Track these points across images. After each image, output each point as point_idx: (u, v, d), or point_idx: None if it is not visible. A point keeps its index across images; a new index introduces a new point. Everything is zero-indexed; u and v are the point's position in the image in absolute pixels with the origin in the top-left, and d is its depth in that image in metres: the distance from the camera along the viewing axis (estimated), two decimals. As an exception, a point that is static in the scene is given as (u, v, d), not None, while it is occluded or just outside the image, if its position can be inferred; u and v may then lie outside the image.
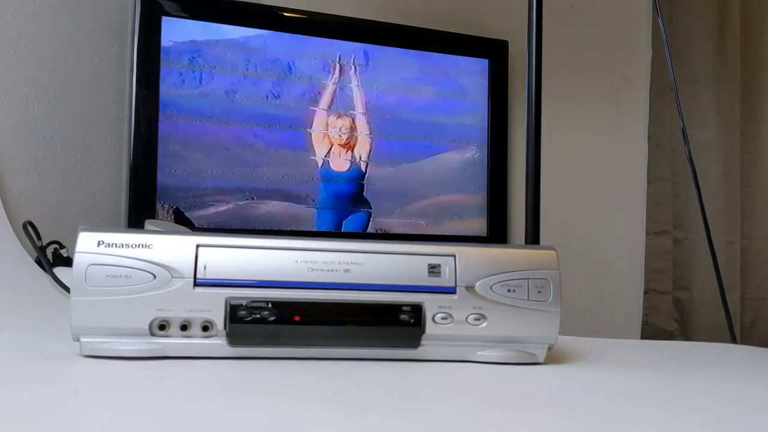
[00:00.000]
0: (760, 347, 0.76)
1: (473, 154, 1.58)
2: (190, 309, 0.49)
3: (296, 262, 0.51)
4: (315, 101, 1.41)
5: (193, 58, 1.31)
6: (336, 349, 0.52)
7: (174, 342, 0.49)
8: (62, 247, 0.99)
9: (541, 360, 0.55)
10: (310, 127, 1.40)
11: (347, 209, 1.43)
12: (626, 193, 1.77)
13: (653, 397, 0.46)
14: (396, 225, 1.48)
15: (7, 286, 0.82)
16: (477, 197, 1.58)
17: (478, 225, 1.58)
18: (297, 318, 0.50)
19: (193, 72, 1.32)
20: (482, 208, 1.58)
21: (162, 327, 0.49)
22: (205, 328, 0.50)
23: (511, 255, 0.54)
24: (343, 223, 1.42)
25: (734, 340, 1.28)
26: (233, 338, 0.50)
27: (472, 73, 1.58)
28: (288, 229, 1.36)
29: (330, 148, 1.41)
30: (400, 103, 1.50)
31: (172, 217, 1.25)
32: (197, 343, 0.50)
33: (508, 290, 0.53)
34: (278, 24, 1.40)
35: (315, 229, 1.39)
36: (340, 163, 1.43)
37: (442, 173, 1.55)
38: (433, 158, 1.54)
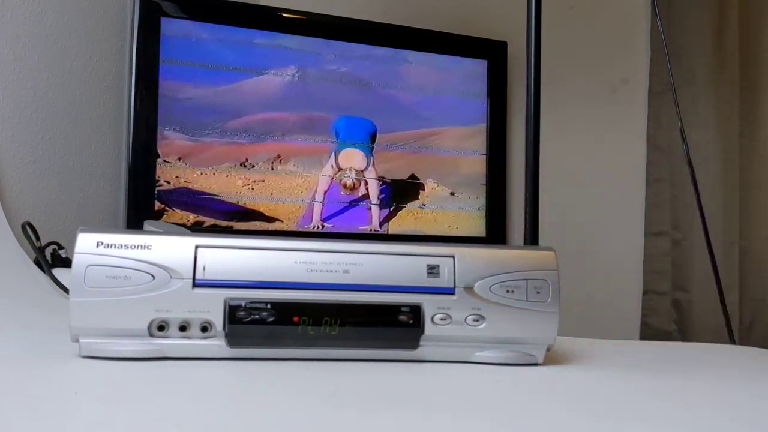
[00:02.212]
0: (759, 348, 0.76)
1: (472, 154, 1.58)
2: (189, 310, 0.49)
3: (295, 262, 0.51)
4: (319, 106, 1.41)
5: (192, 59, 1.31)
6: (335, 350, 0.52)
7: (173, 343, 0.49)
8: (61, 247, 0.98)
9: (540, 361, 0.55)
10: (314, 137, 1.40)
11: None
12: (625, 194, 1.78)
13: (652, 398, 0.46)
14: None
15: (6, 286, 0.82)
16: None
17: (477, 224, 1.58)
18: (296, 319, 0.50)
19: (193, 73, 1.31)
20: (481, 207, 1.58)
21: (161, 328, 0.49)
22: (204, 329, 0.50)
23: (510, 256, 0.54)
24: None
25: (733, 341, 1.28)
26: (232, 339, 0.50)
27: (471, 73, 1.58)
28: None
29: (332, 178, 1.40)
30: (399, 104, 1.50)
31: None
32: (196, 343, 0.50)
33: (507, 291, 0.53)
34: (277, 25, 1.40)
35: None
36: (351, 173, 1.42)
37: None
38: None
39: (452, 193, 1.53)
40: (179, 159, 1.26)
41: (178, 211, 1.26)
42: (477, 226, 1.56)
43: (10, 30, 1.03)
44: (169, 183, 1.25)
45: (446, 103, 1.55)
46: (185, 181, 1.27)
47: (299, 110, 1.38)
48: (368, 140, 1.44)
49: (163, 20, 1.28)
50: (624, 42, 1.79)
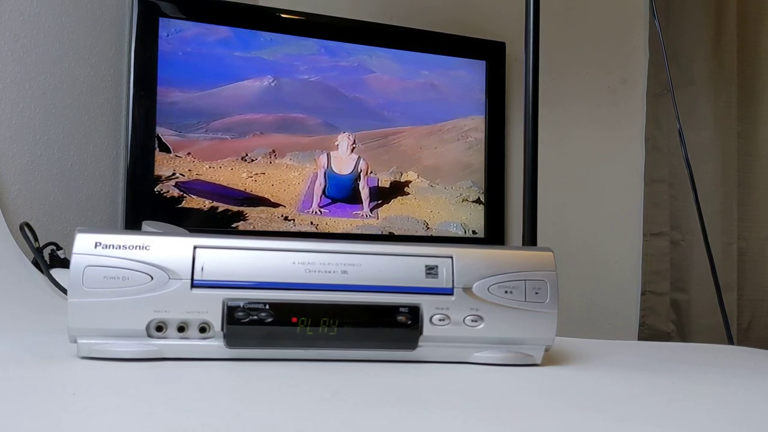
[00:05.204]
0: (757, 348, 0.76)
1: (471, 155, 1.58)
2: (188, 310, 0.49)
3: (294, 263, 0.51)
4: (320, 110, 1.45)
5: (191, 59, 1.32)
6: (333, 350, 0.52)
7: (171, 343, 0.49)
8: (59, 248, 0.98)
9: (539, 361, 0.55)
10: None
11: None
12: (624, 195, 1.78)
13: (650, 399, 0.46)
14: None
15: (4, 287, 0.82)
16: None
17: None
18: (294, 319, 0.50)
19: (191, 74, 1.32)
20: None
21: (159, 328, 0.49)
22: (202, 330, 0.50)
23: (509, 256, 0.54)
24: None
25: (731, 342, 1.28)
26: (230, 340, 0.50)
27: (470, 74, 1.58)
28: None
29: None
30: (398, 105, 1.52)
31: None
32: (194, 344, 0.50)
33: (506, 291, 0.53)
34: (276, 26, 1.40)
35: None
36: (343, 167, 1.47)
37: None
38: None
39: (431, 185, 1.58)
40: (188, 154, 1.33)
41: (195, 197, 1.33)
42: (454, 213, 1.58)
43: (8, 30, 1.03)
44: (183, 175, 1.32)
45: (444, 103, 1.56)
46: (197, 174, 1.33)
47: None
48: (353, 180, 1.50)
49: (161, 21, 1.28)
50: (622, 43, 1.79)
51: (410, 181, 1.54)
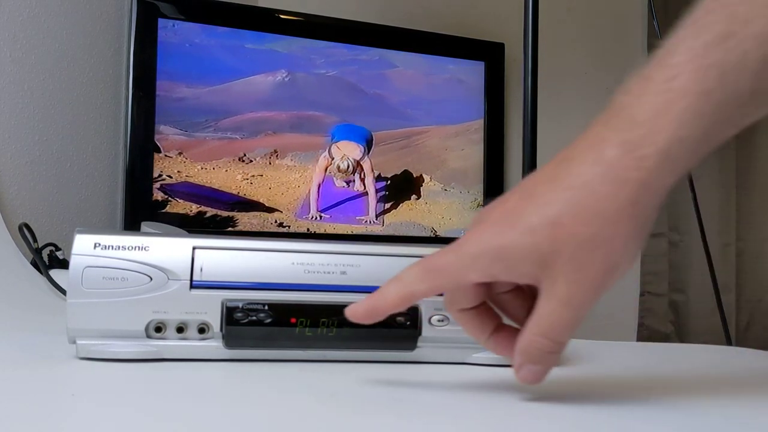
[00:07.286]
0: (755, 349, 0.76)
1: (469, 156, 1.58)
2: (187, 311, 0.49)
3: (293, 264, 0.51)
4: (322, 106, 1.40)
5: (198, 52, 1.31)
6: (332, 351, 0.52)
7: (170, 344, 0.49)
8: (58, 249, 0.98)
9: (537, 362, 0.54)
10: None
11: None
12: (622, 196, 1.78)
13: (649, 399, 0.46)
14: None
15: (3, 288, 0.82)
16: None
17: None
18: (293, 320, 0.50)
19: (199, 67, 1.31)
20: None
21: (158, 329, 0.49)
22: (201, 330, 0.50)
23: (508, 257, 0.54)
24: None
25: (729, 342, 1.28)
26: (229, 340, 0.50)
27: (468, 75, 1.58)
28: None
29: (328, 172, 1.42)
30: (423, 103, 1.49)
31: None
32: (193, 345, 0.50)
33: (505, 292, 0.53)
34: (275, 27, 1.40)
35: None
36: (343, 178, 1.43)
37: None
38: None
39: (444, 189, 1.53)
40: (179, 154, 1.28)
41: (181, 201, 1.27)
42: (467, 218, 1.55)
43: (7, 31, 1.03)
44: (171, 177, 1.27)
45: (443, 104, 1.55)
46: (186, 176, 1.28)
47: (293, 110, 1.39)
48: (364, 143, 1.45)
49: (161, 21, 1.28)
50: (621, 43, 1.79)
51: (421, 185, 1.48)
